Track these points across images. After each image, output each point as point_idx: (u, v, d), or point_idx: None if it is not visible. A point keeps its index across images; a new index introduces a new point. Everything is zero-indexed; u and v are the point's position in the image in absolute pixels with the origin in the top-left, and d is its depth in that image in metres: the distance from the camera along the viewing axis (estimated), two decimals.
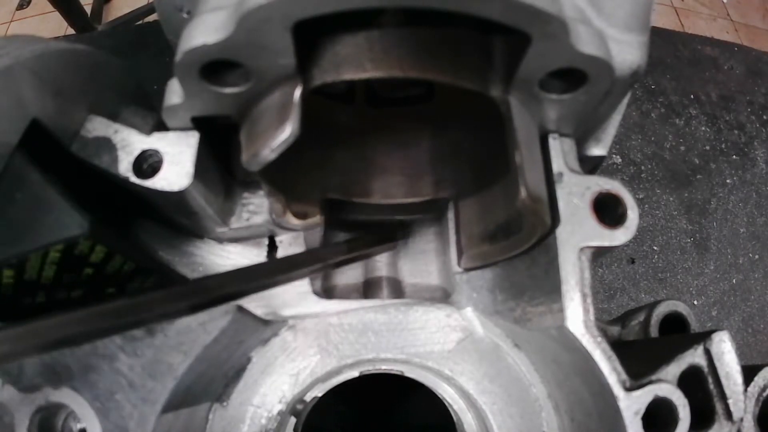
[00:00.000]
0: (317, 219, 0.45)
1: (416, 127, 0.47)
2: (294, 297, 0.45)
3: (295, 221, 0.44)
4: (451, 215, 0.47)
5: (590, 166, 0.40)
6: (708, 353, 0.35)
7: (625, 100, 0.37)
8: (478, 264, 0.44)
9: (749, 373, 0.36)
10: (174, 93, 0.33)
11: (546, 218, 0.34)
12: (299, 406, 0.44)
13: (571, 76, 0.30)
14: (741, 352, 0.35)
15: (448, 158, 0.47)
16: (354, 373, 0.44)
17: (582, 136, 0.38)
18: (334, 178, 0.47)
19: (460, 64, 0.32)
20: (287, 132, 0.30)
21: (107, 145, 0.36)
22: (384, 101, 0.46)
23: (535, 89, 0.32)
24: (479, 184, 0.45)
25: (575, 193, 0.35)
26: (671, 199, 0.88)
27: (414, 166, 0.48)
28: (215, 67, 0.29)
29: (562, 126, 0.35)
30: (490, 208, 0.44)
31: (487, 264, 0.44)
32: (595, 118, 0.36)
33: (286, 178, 0.41)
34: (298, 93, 0.30)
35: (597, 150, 0.39)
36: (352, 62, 0.31)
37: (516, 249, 0.39)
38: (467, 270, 0.45)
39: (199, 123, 0.35)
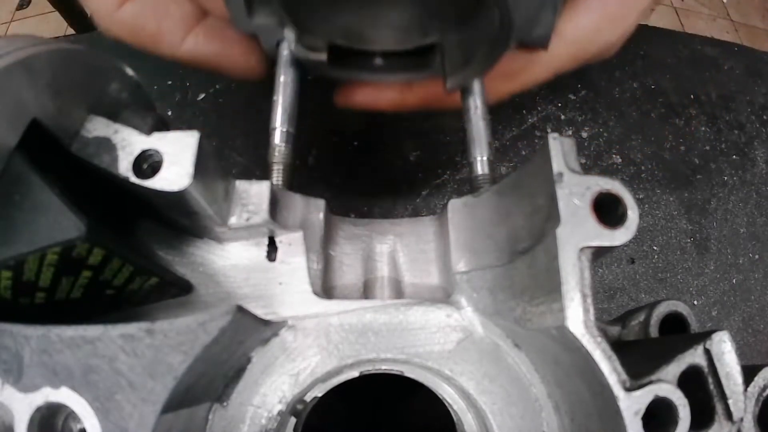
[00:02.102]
0: (323, 56, 0.49)
1: None
2: (294, 297, 0.45)
3: (305, 52, 0.48)
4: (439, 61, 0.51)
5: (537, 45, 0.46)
6: (708, 353, 0.35)
7: None
8: (461, 84, 0.50)
9: (749, 373, 0.36)
10: None
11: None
12: (299, 406, 0.44)
13: None
14: (741, 352, 0.35)
15: (433, 8, 0.51)
16: (354, 373, 0.44)
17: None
18: (337, 25, 0.51)
19: None
20: None
21: (107, 145, 0.36)
22: None
23: None
24: (462, 22, 0.49)
25: (575, 193, 0.35)
26: (671, 199, 0.88)
27: (405, 18, 0.52)
28: None
29: None
30: (472, 40, 0.49)
31: (469, 82, 0.50)
32: None
33: (298, 12, 0.46)
34: None
35: (540, 30, 0.45)
36: None
37: (494, 58, 0.46)
38: (452, 90, 0.50)
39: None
